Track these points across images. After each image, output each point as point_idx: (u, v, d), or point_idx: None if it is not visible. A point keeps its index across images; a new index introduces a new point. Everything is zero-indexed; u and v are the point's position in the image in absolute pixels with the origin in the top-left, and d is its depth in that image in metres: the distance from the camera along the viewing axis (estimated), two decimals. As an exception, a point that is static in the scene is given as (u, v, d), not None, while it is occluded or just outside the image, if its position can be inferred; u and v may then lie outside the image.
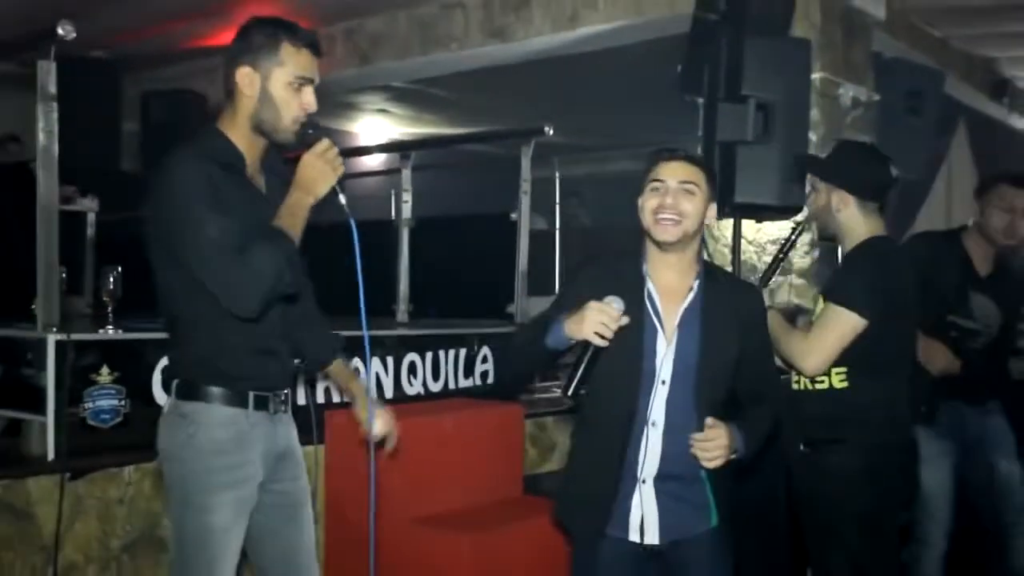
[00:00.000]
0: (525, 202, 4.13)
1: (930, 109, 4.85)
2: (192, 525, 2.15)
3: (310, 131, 2.10)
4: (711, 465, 2.11)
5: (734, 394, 2.31)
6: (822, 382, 2.70)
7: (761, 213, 3.79)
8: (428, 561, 3.03)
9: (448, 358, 3.82)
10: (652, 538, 2.21)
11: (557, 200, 6.30)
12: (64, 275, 3.09)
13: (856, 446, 2.65)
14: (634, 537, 2.21)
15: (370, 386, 3.39)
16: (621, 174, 7.43)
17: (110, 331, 2.89)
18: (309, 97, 2.12)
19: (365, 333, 2.15)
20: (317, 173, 2.07)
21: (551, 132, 4.03)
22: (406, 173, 4.48)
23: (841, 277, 2.75)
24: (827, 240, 2.90)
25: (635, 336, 2.15)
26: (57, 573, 2.68)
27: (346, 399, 2.53)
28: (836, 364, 2.66)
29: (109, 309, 2.95)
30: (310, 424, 2.56)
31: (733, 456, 2.15)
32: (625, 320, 2.07)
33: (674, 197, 2.16)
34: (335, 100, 7.65)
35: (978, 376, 3.43)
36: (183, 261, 2.02)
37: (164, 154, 2.08)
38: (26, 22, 3.12)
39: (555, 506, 2.39)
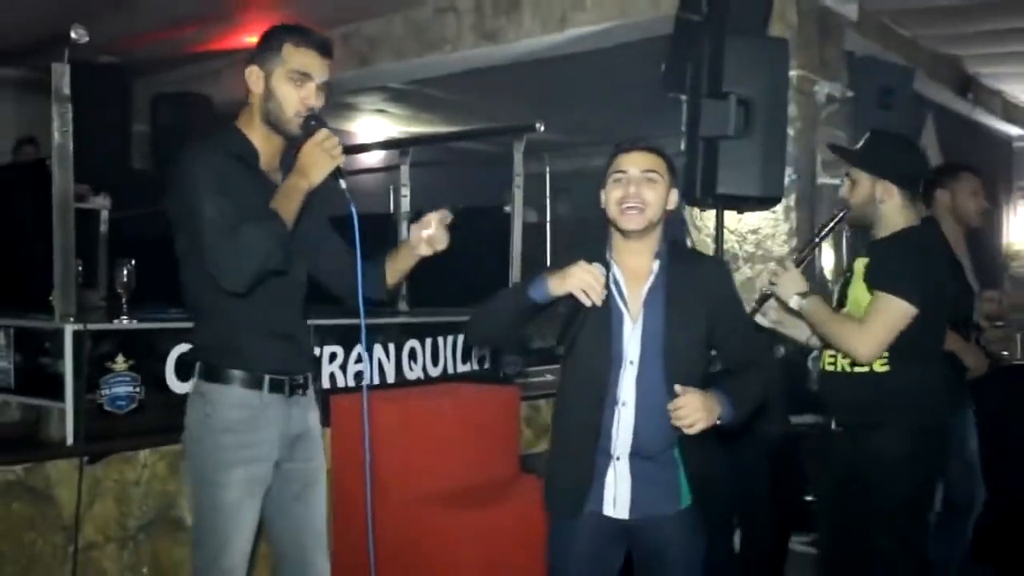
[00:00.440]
0: (518, 195, 4.16)
1: (900, 105, 4.95)
2: (206, 500, 2.23)
3: (312, 123, 2.18)
4: (692, 431, 2.11)
5: (728, 367, 2.34)
6: (862, 366, 2.69)
7: (742, 204, 3.85)
8: (428, 537, 3.09)
9: (447, 344, 3.85)
10: (622, 512, 2.23)
11: (547, 194, 6.31)
12: (80, 268, 3.13)
13: (896, 430, 2.65)
14: (608, 511, 2.24)
15: (371, 372, 3.53)
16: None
17: (125, 321, 2.93)
18: (308, 92, 2.19)
19: (361, 314, 2.20)
20: (314, 160, 2.13)
21: (542, 129, 4.04)
22: (404, 169, 4.47)
23: (890, 266, 2.70)
24: (858, 228, 2.96)
25: (603, 320, 2.18)
26: (78, 552, 2.74)
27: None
28: None
29: (123, 300, 2.98)
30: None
31: (719, 422, 2.15)
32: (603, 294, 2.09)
33: (637, 186, 2.19)
34: (335, 100, 7.68)
35: None
36: (196, 246, 2.10)
37: (173, 153, 2.16)
38: (40, 30, 3.18)
39: (543, 487, 2.40)
